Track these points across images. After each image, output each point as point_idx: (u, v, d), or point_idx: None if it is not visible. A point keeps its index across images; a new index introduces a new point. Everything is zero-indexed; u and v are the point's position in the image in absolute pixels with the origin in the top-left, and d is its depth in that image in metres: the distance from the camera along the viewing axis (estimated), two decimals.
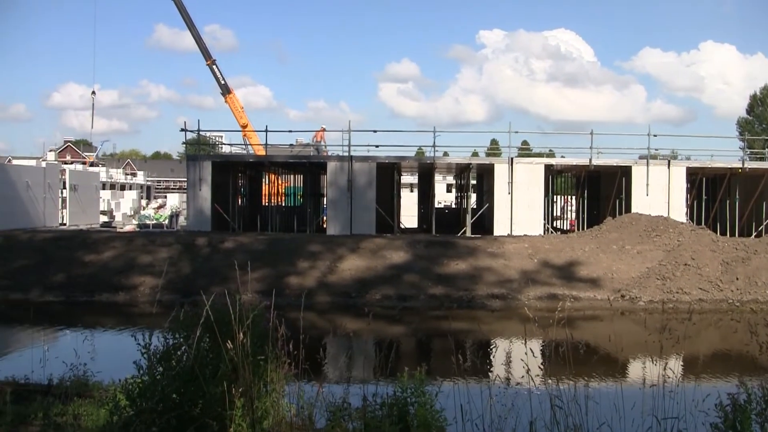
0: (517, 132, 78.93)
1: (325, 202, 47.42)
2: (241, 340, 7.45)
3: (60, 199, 51.15)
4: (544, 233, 40.69)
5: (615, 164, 42.80)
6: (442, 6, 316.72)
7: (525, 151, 59.39)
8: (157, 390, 7.61)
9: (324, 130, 51.46)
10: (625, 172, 42.15)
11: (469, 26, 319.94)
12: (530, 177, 41.16)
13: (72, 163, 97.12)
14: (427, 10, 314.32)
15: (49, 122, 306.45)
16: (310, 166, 46.52)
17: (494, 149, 75.80)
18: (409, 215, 56.21)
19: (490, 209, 42.60)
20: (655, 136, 42.87)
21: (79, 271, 30.83)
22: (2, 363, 17.66)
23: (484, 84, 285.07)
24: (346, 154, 41.78)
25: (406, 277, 29.72)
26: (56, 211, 49.92)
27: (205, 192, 40.80)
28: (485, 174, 50.11)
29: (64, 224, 49.96)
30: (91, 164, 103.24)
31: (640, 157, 43.06)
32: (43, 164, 63.89)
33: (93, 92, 76.14)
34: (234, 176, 45.88)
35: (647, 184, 41.23)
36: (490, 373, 12.90)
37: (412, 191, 74.46)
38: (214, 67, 62.27)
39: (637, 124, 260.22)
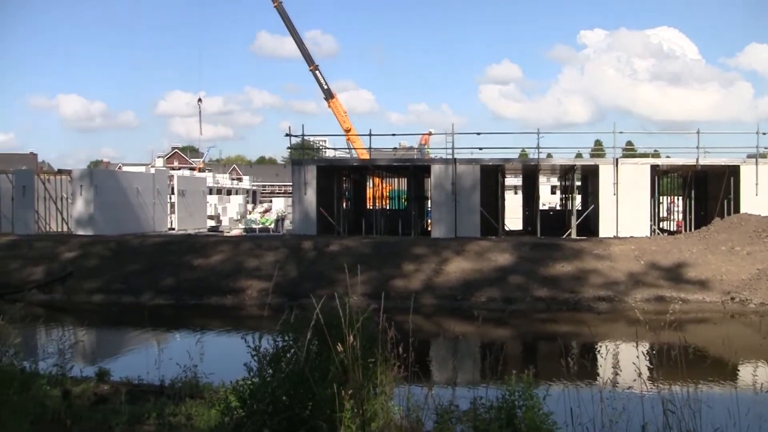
0: (621, 132, 77.53)
1: (429, 205, 47.44)
2: (351, 343, 7.51)
3: (168, 205, 52.21)
4: (651, 235, 40.05)
5: (722, 164, 41.86)
6: (542, 6, 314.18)
7: (629, 151, 58.51)
8: (268, 392, 7.72)
9: (431, 134, 51.60)
10: (733, 171, 41.17)
11: (569, 26, 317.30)
12: (635, 178, 40.52)
13: (180, 169, 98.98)
14: (526, 11, 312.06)
15: (157, 129, 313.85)
16: (414, 170, 46.62)
17: (598, 150, 74.75)
18: (513, 217, 55.86)
19: (595, 211, 42.12)
20: (764, 134, 41.80)
21: (188, 275, 31.38)
22: (116, 364, 18.05)
23: (586, 84, 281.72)
24: (450, 156, 41.73)
25: (511, 280, 29.55)
26: (165, 216, 50.98)
27: (310, 196, 41.16)
28: (590, 175, 49.56)
29: (173, 229, 51.00)
30: (199, 170, 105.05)
31: (749, 156, 42.06)
32: (152, 171, 65.37)
33: (199, 99, 77.66)
34: (338, 180, 46.22)
35: (756, 184, 40.18)
36: (599, 377, 12.73)
37: (516, 193, 73.95)
38: (317, 72, 62.87)
39: (744, 122, 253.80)
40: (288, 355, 7.93)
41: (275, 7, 61.54)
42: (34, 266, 33.11)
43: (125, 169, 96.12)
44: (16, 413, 8.43)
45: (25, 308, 11.83)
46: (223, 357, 19.37)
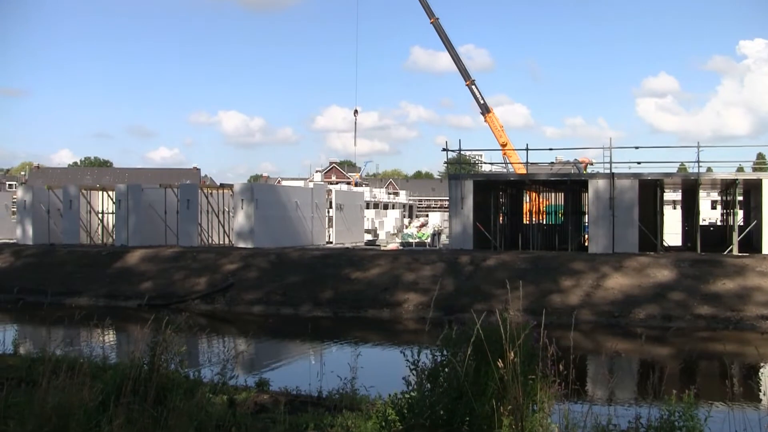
0: None
1: (586, 220, 46.79)
2: (511, 359, 7.48)
3: (327, 218, 52.93)
4: None
5: None
6: (699, 17, 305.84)
7: None
8: (425, 405, 7.76)
9: (591, 163, 50.93)
10: None
11: (728, 37, 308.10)
12: None
13: (337, 183, 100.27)
14: (683, 23, 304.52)
15: (314, 144, 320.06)
16: (571, 184, 46.09)
17: (761, 163, 72.43)
18: (671, 233, 54.51)
19: (758, 226, 40.70)
20: None
21: (346, 288, 31.75)
22: (275, 374, 18.39)
23: (747, 96, 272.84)
24: (608, 171, 41.09)
25: (670, 297, 28.84)
26: (323, 230, 51.71)
27: (467, 210, 41.11)
28: (752, 190, 47.93)
29: (331, 242, 51.67)
30: (356, 184, 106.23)
31: None
32: (311, 185, 66.49)
33: (355, 111, 78.13)
34: (495, 194, 46.05)
35: None
36: (765, 399, 12.30)
37: (674, 208, 72.22)
38: (474, 87, 62.89)
39: None
40: (446, 369, 7.96)
41: (432, 23, 61.91)
42: (197, 277, 34.13)
43: (284, 183, 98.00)
44: (182, 419, 8.70)
45: (189, 318, 12.14)
46: (380, 370, 19.51)
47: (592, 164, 51.37)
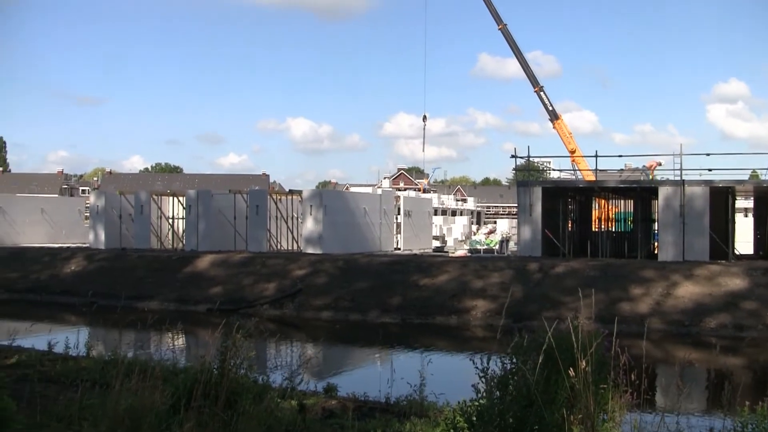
0: None
1: (656, 228, 46.25)
2: (583, 368, 7.42)
3: (395, 225, 52.95)
4: None
5: None
6: None
7: None
8: (495, 413, 7.74)
9: (659, 164, 50.37)
10: None
11: None
12: None
13: (405, 189, 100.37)
14: (753, 28, 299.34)
15: (381, 151, 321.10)
16: (640, 191, 45.60)
17: None
18: (743, 241, 53.60)
19: None
20: None
21: (414, 294, 31.74)
22: (342, 379, 18.46)
23: None
24: (678, 178, 40.59)
25: (743, 306, 28.37)
26: (391, 236, 51.72)
27: (536, 217, 40.88)
28: None
29: (399, 249, 51.65)
30: (424, 190, 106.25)
31: None
32: (379, 191, 66.50)
33: (424, 117, 77.95)
34: (564, 201, 45.73)
35: None
36: None
37: (746, 216, 71.05)
38: (542, 93, 62.60)
39: None
40: (515, 377, 7.93)
41: (500, 29, 61.77)
42: (266, 282, 34.38)
43: (352, 189, 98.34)
44: (252, 423, 8.78)
45: (258, 323, 12.25)
46: (448, 377, 19.48)
47: (660, 165, 50.72)
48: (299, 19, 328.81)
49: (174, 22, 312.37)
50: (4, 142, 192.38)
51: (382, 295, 31.98)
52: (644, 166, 50.95)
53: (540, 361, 7.64)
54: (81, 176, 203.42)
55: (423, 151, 77.09)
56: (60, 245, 51.77)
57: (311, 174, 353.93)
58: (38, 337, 20.73)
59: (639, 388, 8.21)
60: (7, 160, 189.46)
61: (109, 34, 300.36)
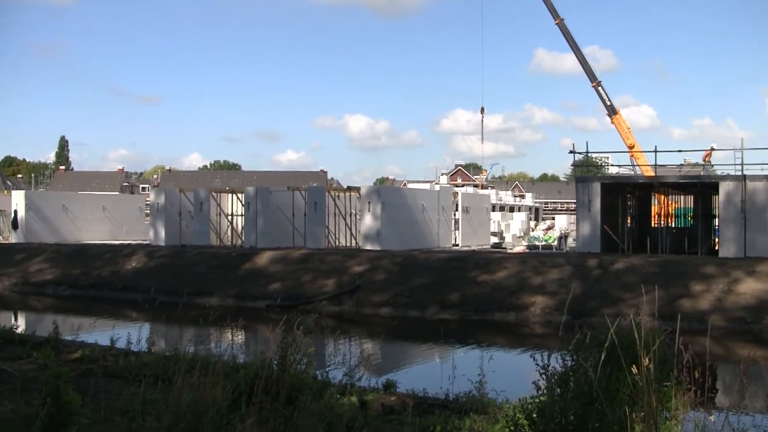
0: None
1: (716, 223, 45.72)
2: (646, 365, 7.37)
3: (453, 221, 52.89)
4: None
5: None
6: None
7: None
8: (556, 410, 7.71)
9: (713, 149, 49.79)
10: None
11: None
12: None
13: (463, 185, 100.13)
14: None
15: (439, 147, 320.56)
16: (701, 187, 45.10)
17: None
18: None
19: None
20: None
21: (473, 291, 31.68)
22: (401, 375, 18.46)
23: None
24: (739, 173, 40.04)
25: None
26: (449, 233, 51.67)
27: (594, 213, 40.59)
28: None
29: (457, 245, 51.58)
30: (482, 186, 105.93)
31: None
32: (437, 187, 66.49)
33: (482, 109, 77.54)
34: (623, 197, 45.38)
35: None
36: None
37: None
38: (600, 88, 62.06)
39: None
40: (576, 374, 7.90)
41: (557, 24, 61.35)
42: (325, 279, 34.52)
43: (410, 186, 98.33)
44: (312, 420, 8.83)
45: (317, 319, 12.33)
46: (507, 374, 19.41)
47: (713, 149, 50.07)
48: (356, 16, 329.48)
49: (231, 22, 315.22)
50: (67, 141, 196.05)
51: (440, 291, 31.96)
52: (703, 159, 50.35)
53: (603, 358, 7.60)
54: (141, 174, 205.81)
55: (482, 142, 76.66)
56: (121, 242, 52.55)
57: (368, 171, 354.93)
58: (101, 333, 21.09)
59: (702, 386, 8.13)
60: (70, 159, 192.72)
61: (168, 34, 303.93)
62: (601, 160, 67.26)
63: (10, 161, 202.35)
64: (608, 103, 62.51)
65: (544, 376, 8.05)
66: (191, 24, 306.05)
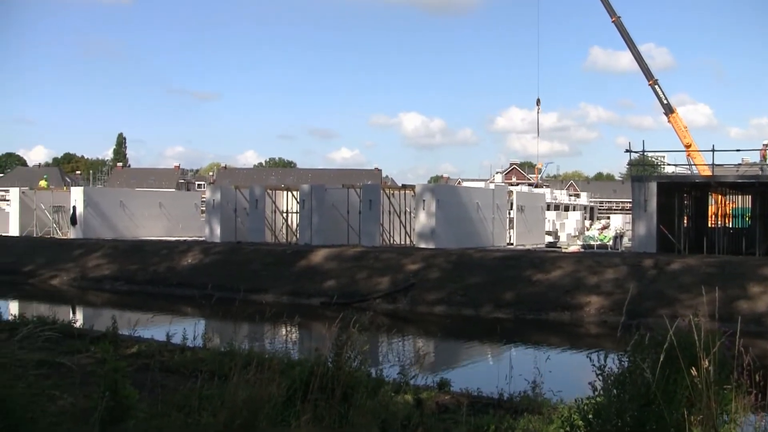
0: None
1: None
2: (705, 367, 7.31)
3: (507, 220, 52.73)
4: None
5: None
6: None
7: None
8: (612, 412, 7.67)
9: (766, 147, 49.11)
10: None
11: None
12: None
13: (518, 184, 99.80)
14: None
15: (493, 145, 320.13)
16: (759, 186, 44.54)
17: None
18: None
19: None
20: None
21: (527, 290, 31.54)
22: (455, 374, 18.42)
23: None
24: None
25: None
26: (504, 231, 51.52)
27: (650, 213, 40.28)
28: None
29: (511, 244, 51.42)
30: (536, 185, 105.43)
31: None
32: (491, 186, 66.37)
33: (538, 101, 77.04)
34: (679, 197, 44.94)
35: None
36: None
37: None
38: (656, 86, 61.60)
39: None
40: (633, 375, 7.85)
41: (613, 22, 60.99)
42: (379, 277, 34.53)
43: (464, 184, 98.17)
44: (367, 417, 8.87)
45: (372, 317, 12.35)
46: (562, 374, 19.32)
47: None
48: (411, 15, 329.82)
49: (287, 21, 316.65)
50: (124, 138, 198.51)
51: (494, 290, 31.85)
52: (761, 158, 49.67)
53: (662, 359, 7.54)
54: (197, 171, 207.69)
55: (537, 134, 76.64)
56: (177, 238, 52.99)
57: (422, 169, 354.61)
58: (157, 328, 21.32)
59: (763, 389, 8.04)
60: (127, 156, 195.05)
61: (224, 32, 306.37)
62: (657, 159, 66.34)
63: (69, 158, 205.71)
64: (665, 101, 62.01)
65: (600, 377, 8.01)
66: (248, 22, 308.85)
